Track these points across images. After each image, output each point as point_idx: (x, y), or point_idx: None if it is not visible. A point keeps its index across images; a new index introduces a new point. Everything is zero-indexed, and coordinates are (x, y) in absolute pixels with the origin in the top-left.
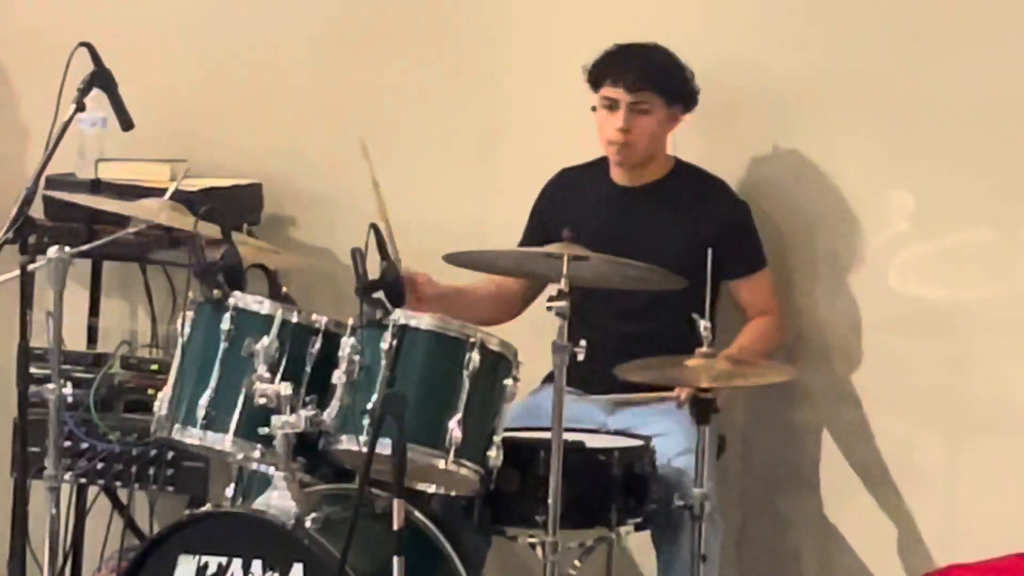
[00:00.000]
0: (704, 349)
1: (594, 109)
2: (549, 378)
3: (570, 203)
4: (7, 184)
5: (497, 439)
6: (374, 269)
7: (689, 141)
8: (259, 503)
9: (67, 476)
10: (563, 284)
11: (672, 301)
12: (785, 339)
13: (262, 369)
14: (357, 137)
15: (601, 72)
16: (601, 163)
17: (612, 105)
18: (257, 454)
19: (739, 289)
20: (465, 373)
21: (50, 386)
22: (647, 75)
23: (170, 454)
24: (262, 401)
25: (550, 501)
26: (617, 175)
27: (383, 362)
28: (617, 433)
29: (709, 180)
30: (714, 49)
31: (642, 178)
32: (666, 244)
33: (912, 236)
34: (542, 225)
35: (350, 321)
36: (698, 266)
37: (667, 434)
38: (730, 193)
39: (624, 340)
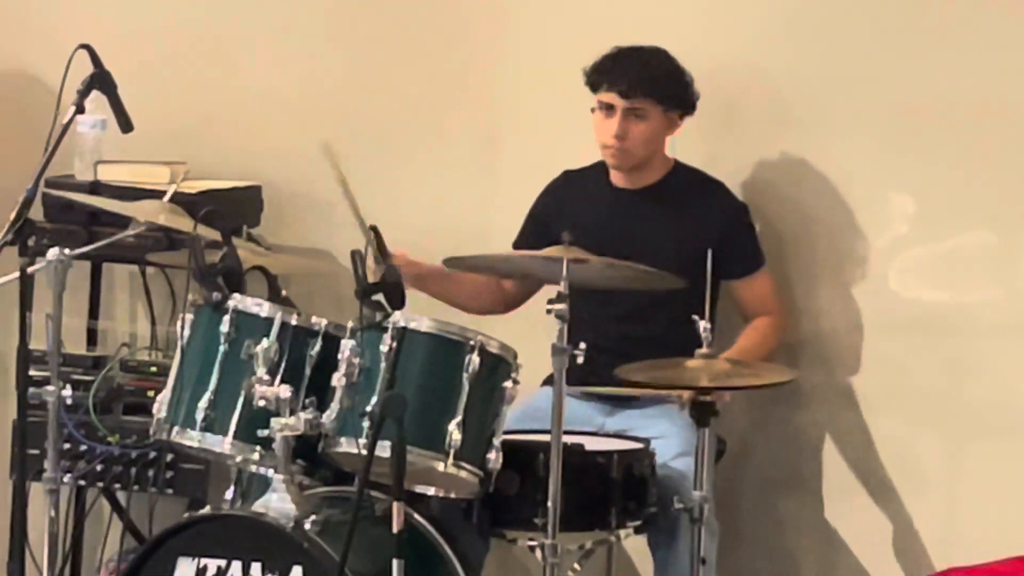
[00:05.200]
0: (704, 350)
1: (593, 110)
2: (547, 381)
3: (571, 205)
4: (7, 186)
5: (497, 442)
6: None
7: (689, 144)
8: (258, 505)
9: (66, 478)
10: (563, 287)
11: (671, 302)
12: (784, 339)
13: (261, 371)
14: (320, 140)
15: (598, 76)
16: (601, 165)
17: (609, 109)
18: (256, 456)
19: (739, 289)
20: (465, 376)
21: (49, 388)
22: (643, 81)
23: (169, 456)
24: (261, 403)
25: (550, 504)
26: (616, 177)
27: (383, 364)
28: (615, 435)
29: (708, 181)
30: (714, 53)
31: (641, 180)
32: (664, 246)
33: (912, 239)
34: (543, 225)
35: (350, 323)
36: (697, 267)
37: (665, 436)
38: (729, 194)
39: (623, 342)
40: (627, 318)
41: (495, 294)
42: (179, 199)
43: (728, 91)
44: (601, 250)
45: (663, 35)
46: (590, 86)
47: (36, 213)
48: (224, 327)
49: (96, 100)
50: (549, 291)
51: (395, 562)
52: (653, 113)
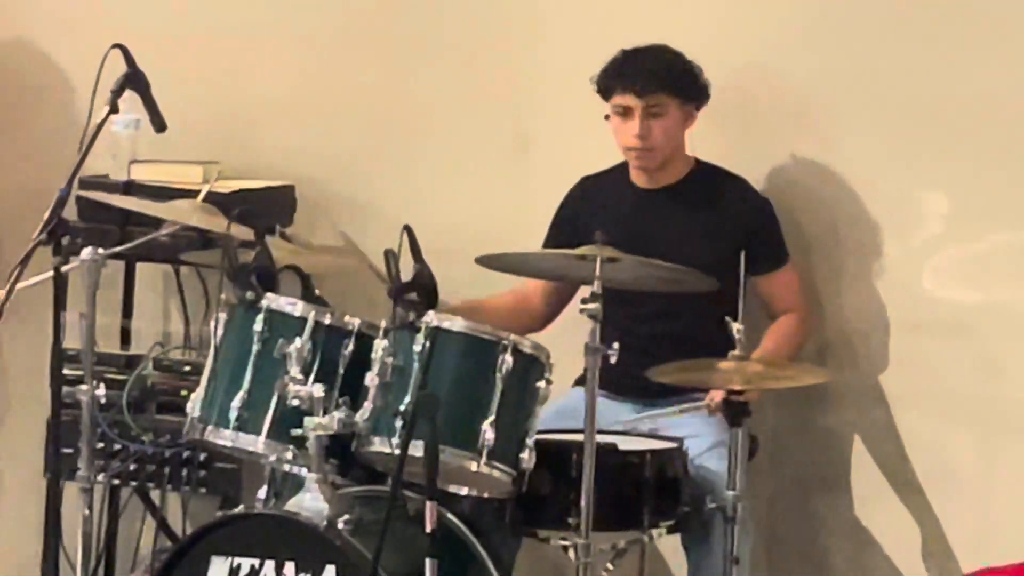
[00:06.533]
0: (737, 352)
1: (607, 117)
2: (579, 381)
3: (593, 209)
4: (41, 186)
5: (530, 441)
6: (407, 271)
7: (714, 145)
8: (292, 505)
9: (100, 477)
10: (596, 286)
11: (699, 301)
12: (810, 335)
13: (295, 371)
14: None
15: (610, 80)
16: (621, 168)
17: (626, 112)
18: (290, 456)
19: (764, 285)
20: (498, 375)
21: (83, 387)
22: (656, 78)
23: (203, 455)
24: (295, 403)
25: (582, 503)
26: (638, 178)
27: (416, 364)
28: (648, 434)
29: (730, 178)
30: (738, 54)
31: (663, 180)
32: (691, 244)
33: (945, 238)
34: (568, 233)
35: (383, 323)
36: (723, 265)
37: (697, 435)
38: (752, 190)
39: (652, 341)
40: (654, 318)
41: (524, 318)
42: (212, 198)
43: (753, 93)
44: (628, 251)
45: (688, 37)
46: (603, 93)
47: (70, 212)
48: (258, 326)
49: (130, 100)
50: (577, 297)
51: (428, 561)
52: (671, 107)
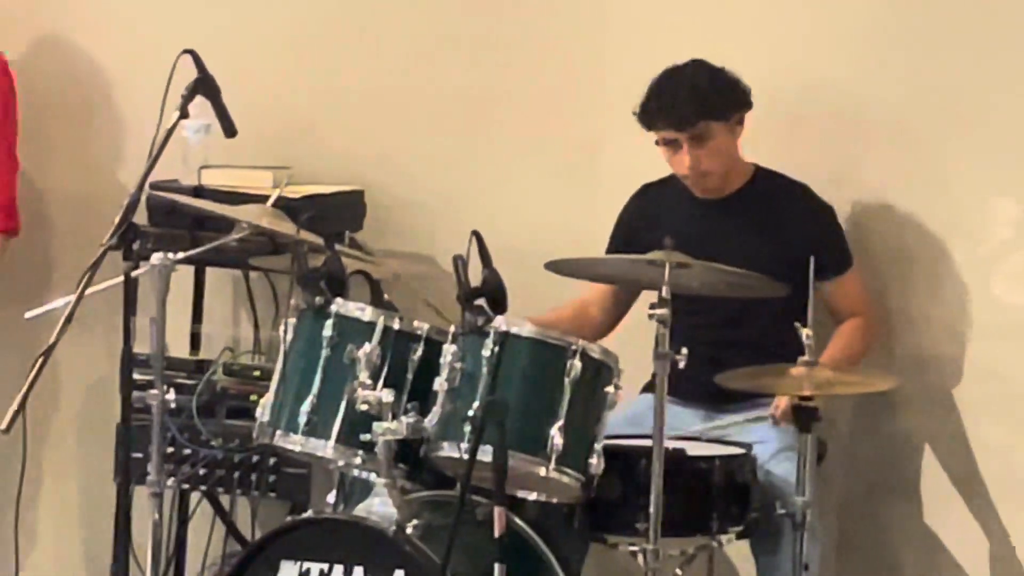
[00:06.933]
0: (806, 357)
1: (657, 143)
2: (647, 387)
3: (654, 218)
4: (111, 190)
5: (598, 447)
6: (476, 276)
7: (782, 154)
8: (360, 509)
9: (170, 482)
10: (665, 292)
11: (765, 308)
12: (876, 339)
13: (364, 376)
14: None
15: (649, 116)
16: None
17: (673, 143)
18: (359, 460)
19: (828, 290)
20: (567, 380)
21: (153, 392)
22: (693, 108)
23: (272, 460)
24: (364, 408)
25: (651, 509)
26: (697, 189)
27: (484, 369)
28: (715, 440)
29: (791, 184)
30: (809, 62)
31: (724, 189)
32: (753, 251)
33: (1014, 244)
34: (628, 241)
35: (452, 328)
36: (788, 271)
37: (766, 441)
38: (814, 196)
39: (719, 348)
40: (721, 324)
41: (583, 330)
42: (282, 204)
43: (822, 101)
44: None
45: (756, 45)
46: (645, 127)
47: (140, 217)
48: (327, 331)
49: (200, 105)
50: (637, 307)
51: (497, 566)
52: (716, 130)
